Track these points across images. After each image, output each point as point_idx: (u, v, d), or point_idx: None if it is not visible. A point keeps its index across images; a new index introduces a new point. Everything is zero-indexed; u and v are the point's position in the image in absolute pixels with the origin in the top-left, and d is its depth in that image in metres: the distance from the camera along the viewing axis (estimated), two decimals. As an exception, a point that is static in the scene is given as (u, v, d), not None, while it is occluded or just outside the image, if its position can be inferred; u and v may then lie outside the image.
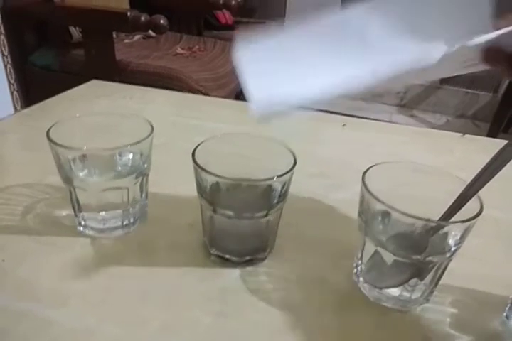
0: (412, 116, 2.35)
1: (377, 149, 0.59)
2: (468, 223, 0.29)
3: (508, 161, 0.30)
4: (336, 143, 0.61)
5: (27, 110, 0.65)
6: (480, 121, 2.27)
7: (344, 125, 0.67)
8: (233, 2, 1.87)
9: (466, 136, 0.66)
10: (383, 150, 0.58)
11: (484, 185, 0.31)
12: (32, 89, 1.44)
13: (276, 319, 0.31)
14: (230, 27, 2.18)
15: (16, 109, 1.34)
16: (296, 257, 0.37)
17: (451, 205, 0.32)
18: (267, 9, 2.51)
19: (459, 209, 0.31)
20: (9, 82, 1.30)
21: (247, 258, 0.36)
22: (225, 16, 2.15)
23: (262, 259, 0.36)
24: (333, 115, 0.71)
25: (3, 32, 1.27)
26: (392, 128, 0.71)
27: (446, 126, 2.25)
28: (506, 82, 2.04)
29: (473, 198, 0.30)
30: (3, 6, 1.35)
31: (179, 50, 1.62)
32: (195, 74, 1.42)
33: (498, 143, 0.30)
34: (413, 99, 2.43)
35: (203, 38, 1.87)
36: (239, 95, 1.77)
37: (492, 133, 1.98)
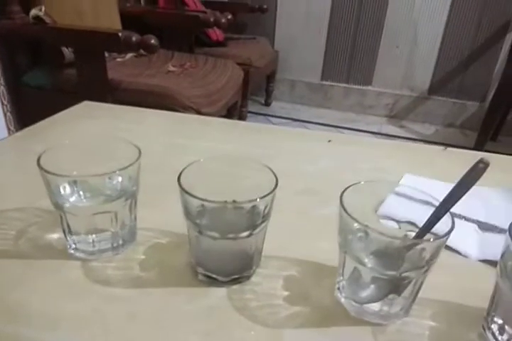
0: (401, 126, 2.39)
1: (362, 164, 0.60)
2: (440, 240, 0.30)
3: (479, 178, 0.32)
4: (322, 159, 0.63)
5: (19, 133, 0.66)
6: (468, 130, 2.31)
7: (330, 141, 0.69)
8: (223, 20, 1.91)
9: (448, 149, 0.68)
10: (368, 166, 0.60)
11: (457, 201, 0.32)
12: (25, 110, 1.46)
13: (261, 336, 0.32)
14: (221, 43, 2.23)
15: (9, 129, 1.35)
16: (281, 274, 0.38)
17: (426, 221, 0.33)
18: (256, 25, 2.56)
19: (434, 225, 0.33)
20: (2, 104, 1.31)
21: (234, 276, 0.37)
22: (216, 33, 2.20)
23: (248, 277, 0.38)
24: (318, 131, 0.73)
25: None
26: (376, 142, 0.73)
27: (435, 136, 2.28)
28: (493, 92, 2.09)
29: (448, 216, 0.32)
30: (-4, 28, 1.37)
31: (171, 68, 1.65)
32: (187, 91, 1.44)
33: (478, 156, 0.32)
34: (402, 109, 2.47)
35: (195, 55, 1.90)
36: (231, 110, 1.79)
37: (480, 142, 2.02)
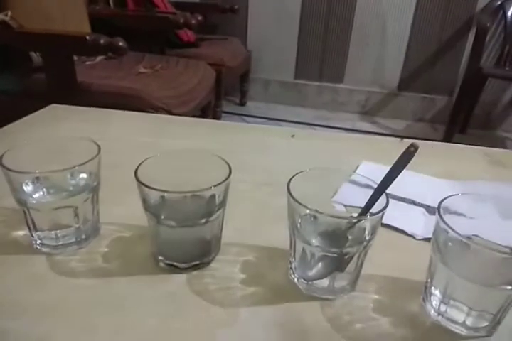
0: (373, 122, 2.44)
1: (322, 157, 0.63)
2: (375, 216, 0.33)
3: (409, 161, 0.35)
4: (284, 153, 0.66)
5: (-15, 137, 0.67)
6: (438, 124, 2.38)
7: (293, 136, 0.72)
8: (193, 21, 1.92)
9: (404, 140, 0.72)
10: (327, 158, 0.62)
11: (392, 182, 0.35)
12: (-6, 115, 1.45)
13: (218, 316, 0.34)
14: (193, 44, 2.24)
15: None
16: (239, 259, 0.41)
17: (366, 203, 0.36)
18: (228, 25, 2.59)
19: (373, 204, 0.36)
20: (-30, 109, 1.30)
21: (193, 263, 0.39)
22: (187, 34, 2.21)
23: (208, 263, 0.40)
24: (283, 127, 0.76)
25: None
26: (337, 136, 0.77)
27: (406, 131, 2.35)
28: (459, 86, 2.16)
29: (384, 196, 0.35)
30: (-39, 34, 1.35)
31: (142, 69, 1.66)
32: (158, 92, 1.45)
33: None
34: (374, 106, 2.53)
35: (166, 56, 1.91)
36: (204, 111, 1.81)
37: (448, 135, 2.09)
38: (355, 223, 0.35)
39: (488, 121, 2.35)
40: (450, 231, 0.32)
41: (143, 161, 0.39)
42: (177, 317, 0.34)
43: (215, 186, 0.37)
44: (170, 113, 1.43)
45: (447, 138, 2.06)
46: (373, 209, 0.35)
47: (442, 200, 0.35)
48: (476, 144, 0.71)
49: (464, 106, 2.11)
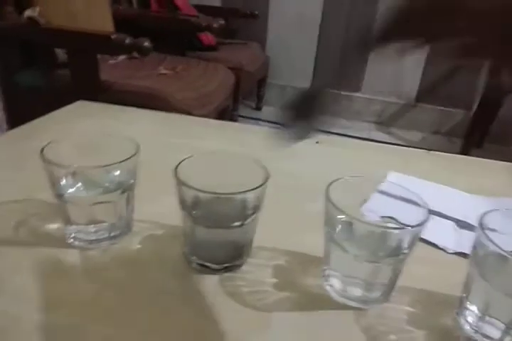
0: (389, 133, 2.43)
1: (348, 165, 0.63)
2: (415, 228, 0.33)
3: None
4: (310, 159, 0.66)
5: (16, 130, 0.68)
6: (454, 137, 2.36)
7: (317, 142, 0.72)
8: (215, 24, 1.93)
9: (431, 152, 0.71)
10: (354, 166, 0.62)
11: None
12: (17, 109, 1.46)
13: (251, 319, 0.34)
14: (213, 48, 2.26)
15: (1, 128, 1.36)
16: (270, 264, 0.41)
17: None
18: (248, 30, 2.60)
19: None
20: (-4, 102, 1.32)
21: (226, 265, 0.39)
22: (207, 38, 2.22)
23: (239, 266, 0.40)
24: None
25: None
26: (363, 144, 0.76)
27: (422, 143, 2.33)
28: (478, 100, 2.15)
29: (421, 208, 0.35)
30: (-11, 28, 1.38)
31: (163, 70, 1.67)
32: (178, 93, 1.46)
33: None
34: (390, 116, 2.52)
35: (187, 58, 1.92)
36: (222, 114, 1.82)
37: (465, 149, 2.07)
38: (397, 234, 0.34)
39: (505, 136, 2.33)
40: (491, 245, 0.32)
41: (181, 161, 0.39)
42: (210, 318, 0.34)
43: (251, 190, 0.37)
44: (190, 114, 1.43)
45: (464, 152, 2.04)
46: (412, 222, 0.35)
47: (482, 215, 0.35)
48: (494, 159, 0.70)
49: (482, 120, 2.09)
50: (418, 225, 0.33)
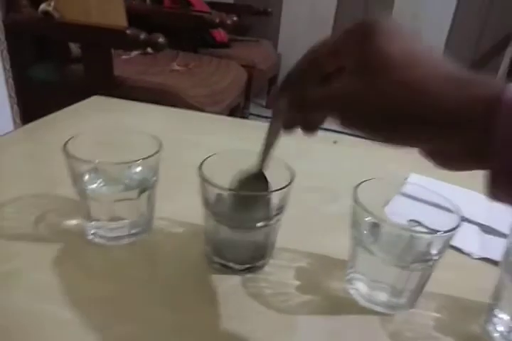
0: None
1: (367, 165, 0.62)
2: (447, 234, 0.32)
3: (279, 133, 0.33)
4: (328, 159, 0.65)
5: (32, 124, 0.67)
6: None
7: (335, 142, 0.71)
8: (229, 21, 1.92)
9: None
10: (372, 167, 0.61)
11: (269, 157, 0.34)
12: (30, 103, 1.47)
13: (275, 321, 0.34)
14: (225, 45, 2.25)
15: (15, 122, 1.36)
16: (292, 265, 0.40)
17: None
18: (260, 28, 2.59)
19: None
20: (10, 96, 1.32)
21: (248, 266, 0.38)
22: (220, 34, 2.21)
23: (261, 267, 0.39)
24: (324, 133, 0.75)
25: (5, 47, 1.30)
26: (381, 145, 0.75)
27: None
28: None
29: (454, 213, 0.34)
30: (4, 21, 1.38)
31: (176, 67, 1.67)
32: (191, 90, 1.46)
33: None
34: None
35: (199, 55, 1.92)
36: (233, 111, 1.81)
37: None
38: (427, 239, 0.33)
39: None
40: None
41: (205, 159, 0.38)
42: (234, 319, 0.33)
43: (278, 190, 0.36)
44: (202, 111, 1.43)
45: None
46: (440, 226, 0.34)
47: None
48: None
49: None
50: (450, 230, 0.32)
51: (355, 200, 0.34)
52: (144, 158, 0.38)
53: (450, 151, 0.24)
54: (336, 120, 0.26)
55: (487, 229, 0.49)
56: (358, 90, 0.24)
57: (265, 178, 0.35)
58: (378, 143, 0.26)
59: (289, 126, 0.31)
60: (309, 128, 0.30)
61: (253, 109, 2.38)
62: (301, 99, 0.28)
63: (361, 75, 0.24)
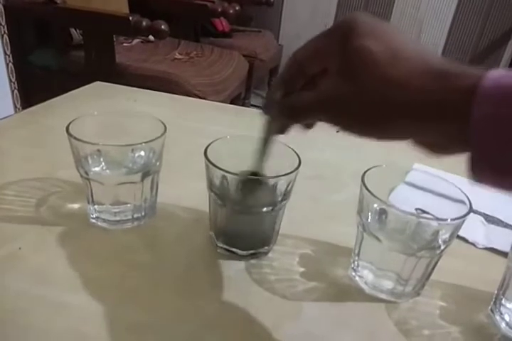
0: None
1: (369, 154, 0.61)
2: (456, 221, 0.32)
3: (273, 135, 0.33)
4: (331, 148, 0.64)
5: (33, 108, 0.66)
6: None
7: (338, 131, 0.70)
8: (231, 10, 1.90)
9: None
10: (375, 156, 0.60)
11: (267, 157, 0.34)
12: (31, 88, 1.45)
13: (282, 308, 0.33)
14: (227, 34, 2.22)
15: (15, 107, 1.35)
16: (296, 252, 0.39)
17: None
18: (262, 17, 2.56)
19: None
20: (10, 81, 1.31)
21: (252, 251, 0.38)
22: (222, 24, 2.19)
23: (266, 253, 0.39)
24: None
25: (6, 31, 1.28)
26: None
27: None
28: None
29: (459, 196, 0.34)
30: (5, 5, 1.36)
31: (177, 55, 1.65)
32: (193, 79, 1.44)
33: None
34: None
35: (201, 44, 1.90)
36: (234, 101, 1.80)
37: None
38: (435, 226, 0.33)
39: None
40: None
41: (210, 143, 0.38)
42: (239, 304, 0.33)
43: (284, 175, 0.35)
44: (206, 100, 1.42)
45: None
46: (448, 215, 0.33)
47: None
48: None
49: None
50: (459, 218, 0.32)
51: (363, 186, 0.34)
52: (146, 142, 0.37)
53: (436, 141, 0.25)
54: (328, 123, 0.27)
55: (492, 219, 0.49)
56: (343, 91, 0.25)
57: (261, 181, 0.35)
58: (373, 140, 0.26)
59: (283, 132, 0.32)
60: (304, 128, 0.32)
61: (253, 100, 2.36)
62: (290, 108, 0.28)
63: (344, 75, 0.25)
